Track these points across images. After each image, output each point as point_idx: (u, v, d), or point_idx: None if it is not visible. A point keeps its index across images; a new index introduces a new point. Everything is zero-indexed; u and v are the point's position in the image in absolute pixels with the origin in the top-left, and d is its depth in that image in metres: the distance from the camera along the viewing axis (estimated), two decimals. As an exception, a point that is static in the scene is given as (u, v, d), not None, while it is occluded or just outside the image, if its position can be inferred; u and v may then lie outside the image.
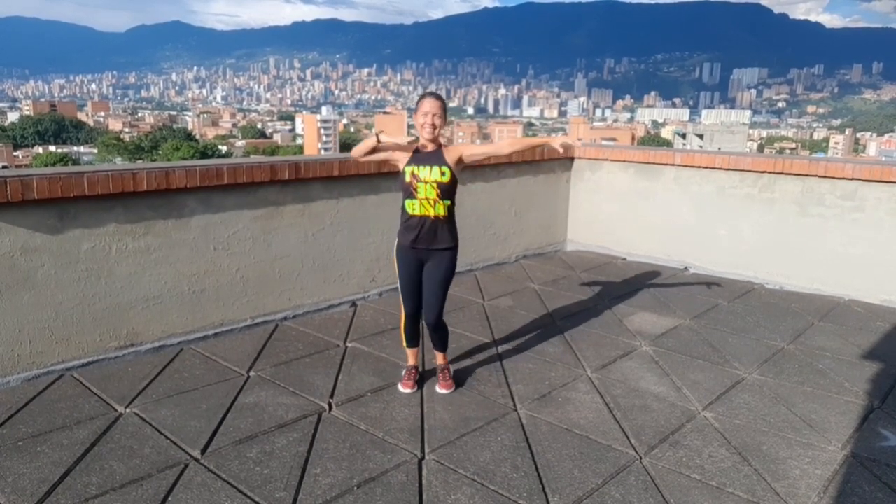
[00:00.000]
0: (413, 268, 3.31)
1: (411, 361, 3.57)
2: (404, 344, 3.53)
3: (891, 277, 5.07)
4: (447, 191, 3.21)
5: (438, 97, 3.24)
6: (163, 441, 2.91)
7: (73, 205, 3.48)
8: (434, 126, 3.18)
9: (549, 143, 3.36)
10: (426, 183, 3.17)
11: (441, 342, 3.49)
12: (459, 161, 3.24)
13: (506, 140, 3.50)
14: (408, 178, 3.19)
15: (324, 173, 4.49)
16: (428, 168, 3.17)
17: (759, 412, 3.34)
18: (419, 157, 3.22)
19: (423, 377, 3.60)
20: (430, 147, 3.24)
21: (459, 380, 3.60)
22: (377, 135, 3.15)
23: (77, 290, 3.56)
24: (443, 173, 3.18)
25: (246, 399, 3.34)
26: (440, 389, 3.47)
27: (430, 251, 3.26)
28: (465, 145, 3.36)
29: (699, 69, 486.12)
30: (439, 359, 3.55)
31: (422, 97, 3.25)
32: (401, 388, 3.47)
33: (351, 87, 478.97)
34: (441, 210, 3.21)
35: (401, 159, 3.24)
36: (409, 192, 3.20)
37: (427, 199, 3.18)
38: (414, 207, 3.20)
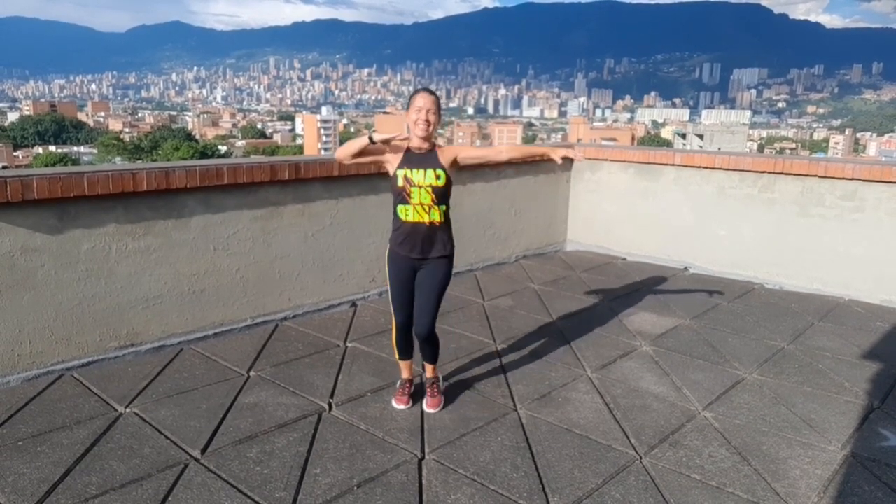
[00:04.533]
0: (406, 275, 3.10)
1: (405, 374, 3.34)
2: (396, 356, 3.31)
3: (891, 277, 5.07)
4: (442, 195, 3.01)
5: (432, 92, 3.01)
6: (163, 441, 2.91)
7: (73, 205, 3.48)
8: (428, 122, 2.95)
9: (549, 154, 3.09)
10: (420, 187, 2.96)
11: (431, 354, 3.26)
12: (454, 163, 3.04)
13: (505, 146, 3.18)
14: (400, 182, 2.97)
15: (324, 173, 4.49)
16: (422, 171, 2.96)
17: (759, 412, 3.34)
18: (411, 158, 3.01)
19: (419, 388, 3.43)
20: (424, 147, 3.02)
21: (460, 380, 3.60)
22: (370, 136, 2.93)
23: (77, 291, 3.56)
24: (437, 176, 2.97)
25: (246, 399, 3.34)
26: (428, 408, 3.25)
27: (424, 260, 3.07)
28: (460, 146, 3.14)
29: (699, 69, 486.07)
30: (428, 371, 3.32)
31: (414, 93, 3.01)
32: (395, 403, 3.29)
33: (351, 88, 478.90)
34: (436, 216, 3.01)
35: (391, 161, 3.03)
36: (402, 198, 2.99)
37: (421, 204, 2.97)
38: (407, 213, 3.00)
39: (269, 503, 2.51)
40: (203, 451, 2.85)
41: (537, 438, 3.03)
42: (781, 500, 2.61)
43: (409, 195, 2.98)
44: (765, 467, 2.84)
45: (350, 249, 4.82)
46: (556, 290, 5.39)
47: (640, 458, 2.90)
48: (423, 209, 2.99)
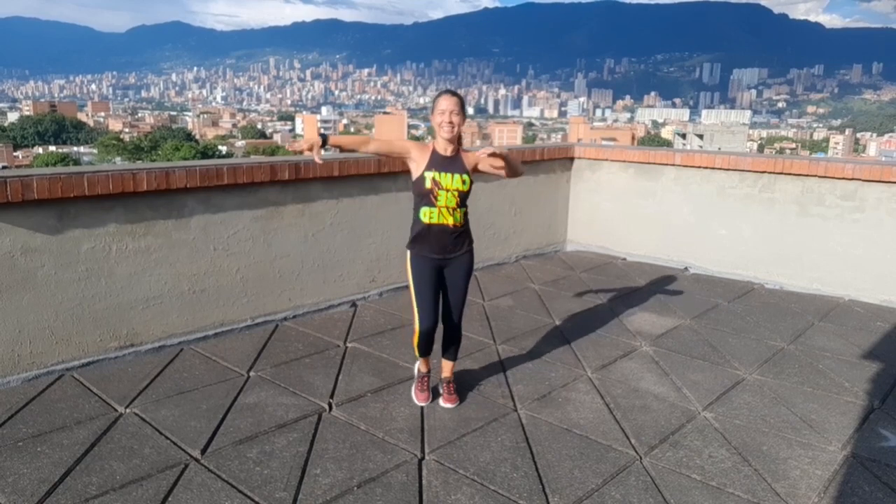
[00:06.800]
0: (434, 277, 3.15)
1: (424, 368, 3.40)
2: (417, 354, 3.35)
3: (891, 277, 5.07)
4: (465, 198, 3.09)
5: (455, 94, 3.04)
6: (163, 441, 2.91)
7: (73, 205, 3.48)
8: (452, 124, 2.98)
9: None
10: (448, 191, 3.01)
11: (455, 348, 3.36)
12: (475, 168, 3.10)
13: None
14: (428, 184, 3.00)
15: (324, 173, 4.49)
16: (450, 175, 3.01)
17: (759, 412, 3.34)
18: (439, 161, 3.04)
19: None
20: (450, 150, 3.06)
21: (460, 380, 3.59)
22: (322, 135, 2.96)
23: (77, 291, 3.56)
24: (464, 181, 3.04)
25: (246, 399, 3.34)
26: (445, 403, 3.31)
27: (449, 259, 3.14)
28: (482, 157, 3.12)
29: (699, 69, 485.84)
30: (446, 370, 3.39)
31: (438, 95, 3.05)
32: (415, 399, 3.35)
33: (351, 88, 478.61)
34: (459, 218, 3.08)
35: (417, 161, 3.05)
36: (428, 200, 3.02)
37: (447, 207, 3.03)
38: (432, 216, 3.04)
39: (269, 503, 2.51)
40: (203, 451, 2.85)
41: (537, 438, 3.03)
42: (781, 500, 2.61)
43: (435, 198, 3.02)
44: (765, 467, 2.84)
45: (350, 249, 4.82)
46: (556, 290, 5.39)
47: (640, 458, 2.90)
48: (448, 212, 3.05)
